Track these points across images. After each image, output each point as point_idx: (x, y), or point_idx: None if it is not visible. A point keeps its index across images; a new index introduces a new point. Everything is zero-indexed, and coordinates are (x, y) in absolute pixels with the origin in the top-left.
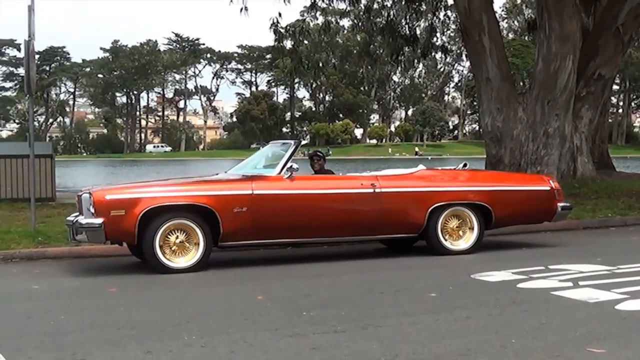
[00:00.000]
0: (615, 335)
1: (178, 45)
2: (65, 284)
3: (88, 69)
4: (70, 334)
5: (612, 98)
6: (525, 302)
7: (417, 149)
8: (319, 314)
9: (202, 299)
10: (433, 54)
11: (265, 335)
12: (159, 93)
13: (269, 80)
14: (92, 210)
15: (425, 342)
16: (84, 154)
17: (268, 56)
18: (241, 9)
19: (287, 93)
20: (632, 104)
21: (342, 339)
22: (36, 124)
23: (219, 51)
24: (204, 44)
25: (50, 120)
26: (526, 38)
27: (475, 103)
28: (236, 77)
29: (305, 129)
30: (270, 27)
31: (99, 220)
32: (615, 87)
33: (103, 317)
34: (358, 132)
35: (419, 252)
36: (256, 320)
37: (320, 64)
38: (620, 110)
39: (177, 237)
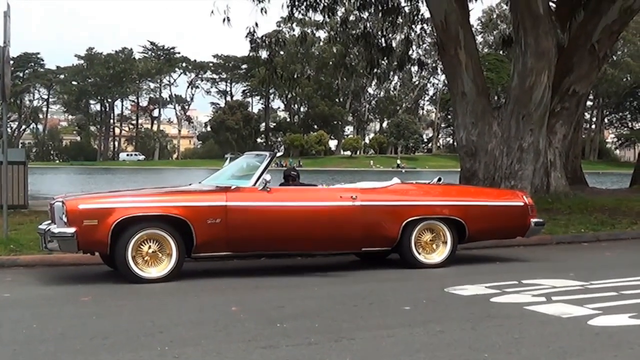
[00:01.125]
0: (587, 352)
1: (153, 54)
2: (38, 293)
3: (62, 76)
4: (43, 343)
5: (586, 114)
6: (499, 317)
7: (398, 161)
8: (292, 326)
9: (176, 310)
10: (409, 66)
11: (238, 347)
12: (134, 101)
13: (244, 91)
14: (65, 220)
15: (399, 355)
16: (57, 161)
17: (243, 66)
18: (224, 20)
19: (262, 103)
20: (605, 120)
21: (316, 351)
22: (9, 130)
23: (194, 60)
24: (179, 53)
25: (23, 127)
26: (501, 52)
27: (449, 116)
28: (211, 87)
29: (279, 139)
30: (247, 36)
31: (72, 230)
32: (588, 103)
33: (76, 327)
34: (332, 143)
35: (392, 265)
36: (230, 332)
37: (296, 75)
38: (594, 126)
39: (149, 247)
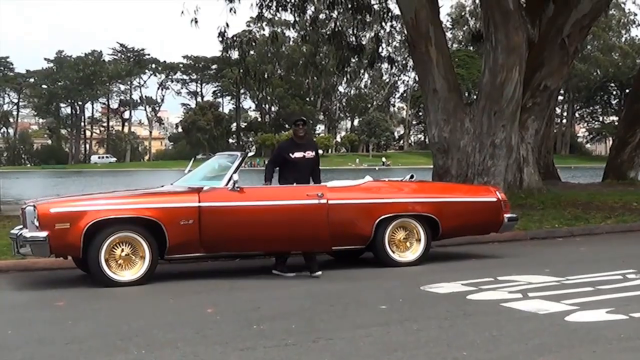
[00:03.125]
0: (565, 347)
1: (123, 56)
2: (11, 298)
3: (32, 80)
4: (18, 349)
5: (557, 109)
6: (476, 314)
7: (384, 159)
8: (269, 327)
9: (151, 312)
10: (379, 64)
11: (215, 349)
12: (104, 104)
13: (214, 91)
14: (37, 224)
15: (377, 354)
16: (28, 165)
17: (214, 66)
18: (192, 20)
19: (233, 104)
20: (576, 114)
21: (293, 352)
22: None
23: (164, 62)
24: (149, 55)
25: None
26: (471, 48)
27: (420, 113)
28: (181, 88)
29: (251, 139)
30: (218, 36)
31: (44, 234)
32: (559, 97)
33: (51, 332)
34: None
35: (366, 264)
36: (206, 334)
37: (267, 75)
38: (565, 121)
39: (122, 250)
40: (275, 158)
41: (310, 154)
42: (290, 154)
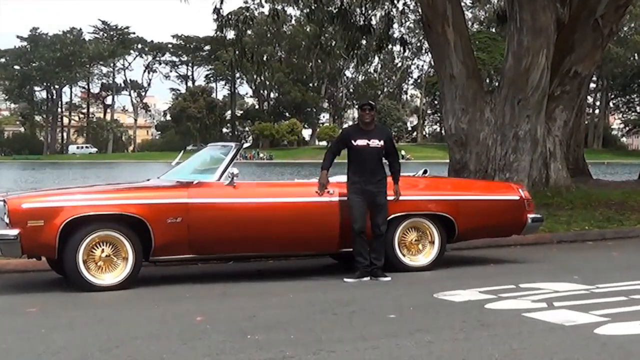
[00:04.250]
0: None
1: (105, 35)
2: None
3: (3, 60)
4: None
5: (589, 98)
6: (495, 325)
7: (403, 152)
8: (265, 338)
9: (134, 321)
10: (390, 46)
11: None
12: (84, 88)
13: (207, 75)
14: (7, 221)
15: None
16: None
17: (206, 47)
18: None
19: (227, 89)
20: (610, 103)
21: None
22: None
23: (151, 41)
24: (134, 33)
25: None
26: (494, 30)
27: (436, 102)
28: (170, 71)
29: (247, 129)
30: (212, 13)
31: (14, 232)
32: (591, 85)
33: (22, 341)
34: (306, 132)
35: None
36: (195, 345)
37: (265, 57)
38: (597, 111)
39: (103, 251)
40: (336, 144)
41: (375, 142)
42: (353, 141)
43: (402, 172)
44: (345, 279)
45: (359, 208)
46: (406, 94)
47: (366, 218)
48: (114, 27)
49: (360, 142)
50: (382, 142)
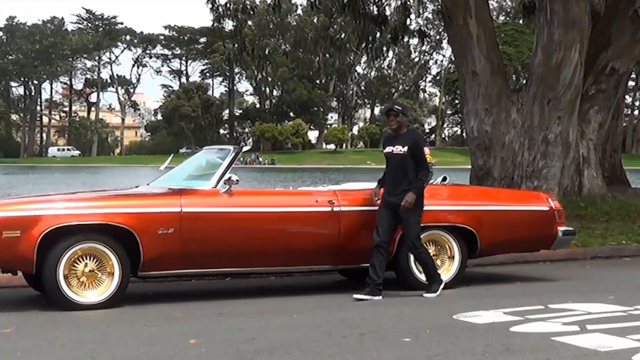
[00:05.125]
0: None
1: (90, 25)
2: None
3: None
4: None
5: (627, 97)
6: (521, 350)
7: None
8: None
9: (120, 343)
10: (406, 39)
11: None
12: (66, 83)
13: (203, 70)
14: None
15: None
16: None
17: (202, 40)
18: None
19: (225, 86)
20: None
21: None
22: None
23: (141, 32)
24: (122, 24)
25: None
26: (521, 21)
27: (457, 101)
28: (162, 65)
29: (247, 130)
30: (208, 2)
31: None
32: (630, 83)
33: None
34: (312, 134)
35: (387, 286)
36: None
37: (268, 51)
38: (637, 112)
39: (86, 265)
40: None
41: (399, 149)
42: (383, 147)
43: None
44: (355, 295)
45: (379, 220)
46: (424, 92)
47: (389, 232)
48: (100, 16)
49: (387, 149)
50: (405, 148)
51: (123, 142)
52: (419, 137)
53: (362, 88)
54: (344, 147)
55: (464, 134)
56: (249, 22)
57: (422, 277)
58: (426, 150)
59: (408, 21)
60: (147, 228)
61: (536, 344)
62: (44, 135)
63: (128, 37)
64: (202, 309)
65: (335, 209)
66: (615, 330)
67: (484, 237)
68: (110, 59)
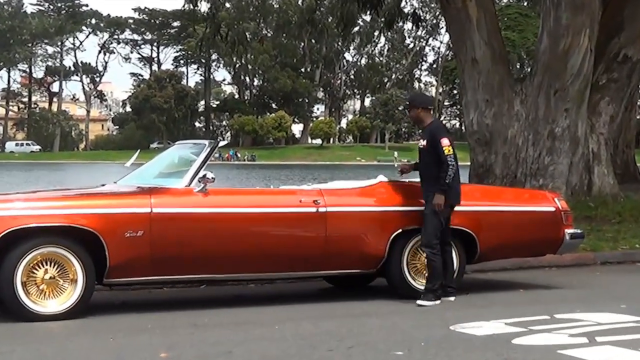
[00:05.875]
0: None
1: (52, 7)
2: None
3: None
4: None
5: None
6: None
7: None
8: None
9: (84, 357)
10: (400, 23)
11: None
12: (25, 71)
13: (176, 57)
14: None
15: None
16: None
17: (175, 24)
18: None
19: (201, 74)
20: None
21: None
22: None
23: (108, 16)
24: (87, 6)
25: None
26: (525, 4)
27: (455, 92)
28: (131, 52)
29: (225, 123)
30: None
31: None
32: None
33: None
34: (297, 128)
35: (378, 295)
36: None
37: (247, 36)
38: None
39: (46, 272)
40: None
41: (421, 143)
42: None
43: (412, 178)
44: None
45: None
46: (419, 81)
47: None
48: None
49: (419, 144)
50: (424, 142)
51: (88, 137)
52: (437, 129)
53: (352, 77)
54: (331, 141)
55: (463, 128)
56: (227, 4)
57: (416, 284)
58: (444, 141)
59: (403, 3)
60: (113, 231)
61: (540, 357)
62: (1, 128)
63: (93, 21)
64: (174, 320)
65: (321, 209)
66: (628, 342)
67: (484, 240)
68: (74, 44)
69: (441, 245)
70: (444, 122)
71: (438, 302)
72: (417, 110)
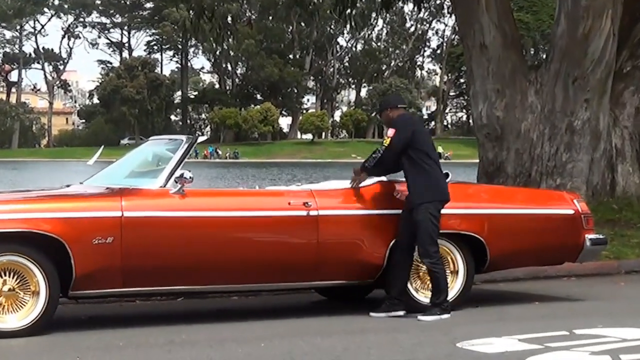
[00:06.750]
0: None
1: None
2: None
3: None
4: None
5: None
6: None
7: (440, 148)
8: None
9: None
10: (400, 4)
11: None
12: None
13: (149, 42)
14: None
15: None
16: None
17: (148, 5)
18: None
19: (177, 62)
20: None
21: None
22: None
23: None
24: None
25: None
26: None
27: (462, 81)
28: (99, 37)
29: (204, 116)
30: None
31: None
32: None
33: None
34: (285, 122)
35: (376, 308)
36: None
37: (230, 19)
38: None
39: (4, 283)
40: None
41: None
42: None
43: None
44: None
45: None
46: (421, 69)
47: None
48: None
49: None
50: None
51: (51, 132)
52: (396, 122)
53: (346, 64)
54: (323, 136)
55: (471, 121)
56: None
57: (419, 296)
58: (389, 131)
59: None
60: (80, 237)
61: None
62: None
63: (56, 2)
64: (149, 337)
65: (312, 212)
66: None
67: (494, 247)
68: (34, 28)
69: (406, 251)
70: (449, 115)
71: (447, 315)
72: (387, 112)
